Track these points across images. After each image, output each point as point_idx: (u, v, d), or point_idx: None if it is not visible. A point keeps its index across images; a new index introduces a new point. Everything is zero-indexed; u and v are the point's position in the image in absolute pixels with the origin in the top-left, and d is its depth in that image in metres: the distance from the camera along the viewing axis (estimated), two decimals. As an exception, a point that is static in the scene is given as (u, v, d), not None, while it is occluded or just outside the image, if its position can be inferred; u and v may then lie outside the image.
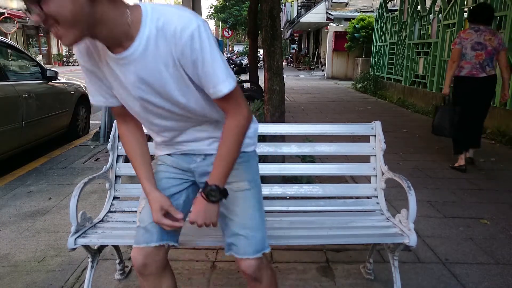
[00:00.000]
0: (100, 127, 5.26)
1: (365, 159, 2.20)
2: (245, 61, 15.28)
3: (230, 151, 1.22)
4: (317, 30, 25.15)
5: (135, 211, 2.09)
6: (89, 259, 1.89)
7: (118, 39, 1.06)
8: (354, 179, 3.59)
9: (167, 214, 1.29)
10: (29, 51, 19.71)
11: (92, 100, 1.27)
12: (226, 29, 25.22)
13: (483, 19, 3.95)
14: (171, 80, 1.12)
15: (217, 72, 1.10)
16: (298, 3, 27.66)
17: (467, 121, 4.03)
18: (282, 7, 27.42)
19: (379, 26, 12.20)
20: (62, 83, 5.33)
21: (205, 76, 1.10)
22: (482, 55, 3.89)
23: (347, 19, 18.23)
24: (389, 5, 12.20)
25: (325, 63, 19.57)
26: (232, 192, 1.32)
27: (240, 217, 1.33)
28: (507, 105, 5.69)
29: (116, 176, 2.12)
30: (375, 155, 2.16)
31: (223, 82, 1.11)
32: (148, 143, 1.42)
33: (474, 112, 4.03)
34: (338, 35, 17.07)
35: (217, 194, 1.22)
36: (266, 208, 2.12)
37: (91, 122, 6.30)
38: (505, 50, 3.97)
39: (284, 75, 3.42)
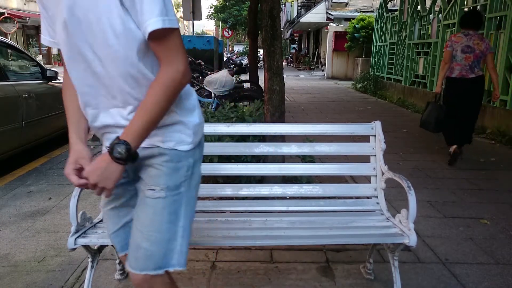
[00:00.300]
0: (100, 127, 5.26)
1: (365, 159, 2.20)
2: (245, 61, 15.30)
3: (152, 105, 1.05)
4: (317, 30, 25.15)
5: (135, 211, 2.09)
6: (89, 259, 1.89)
7: None
8: (354, 179, 3.59)
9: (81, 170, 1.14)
10: (29, 51, 19.72)
11: (42, 39, 1.21)
12: (226, 29, 25.21)
13: (473, 24, 4.29)
14: (104, 8, 1.00)
15: (152, 4, 0.99)
16: (298, 3, 27.66)
17: (459, 119, 4.31)
18: (282, 7, 27.42)
19: (379, 26, 12.20)
20: (62, 83, 5.32)
21: (141, 10, 0.99)
22: (471, 58, 4.20)
23: (347, 19, 18.23)
24: (389, 5, 12.20)
25: (325, 63, 19.57)
26: (144, 196, 1.17)
27: (145, 227, 1.16)
28: (507, 105, 5.69)
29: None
30: (375, 155, 2.16)
31: (156, 17, 0.99)
32: None
33: (467, 110, 4.31)
34: (338, 35, 17.07)
35: (123, 152, 1.03)
36: (266, 208, 2.14)
37: (91, 122, 6.30)
38: (492, 54, 4.27)
39: (284, 75, 3.42)
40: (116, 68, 1.06)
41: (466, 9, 7.34)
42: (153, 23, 0.99)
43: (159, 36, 1.02)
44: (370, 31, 14.21)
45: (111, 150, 1.04)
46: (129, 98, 1.11)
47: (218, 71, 5.81)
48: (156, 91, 1.05)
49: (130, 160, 1.06)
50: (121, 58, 1.05)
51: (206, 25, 70.26)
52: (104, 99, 1.13)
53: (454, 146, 4.40)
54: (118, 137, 1.04)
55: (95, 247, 1.89)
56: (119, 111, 1.13)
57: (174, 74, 1.05)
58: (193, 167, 1.21)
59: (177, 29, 1.05)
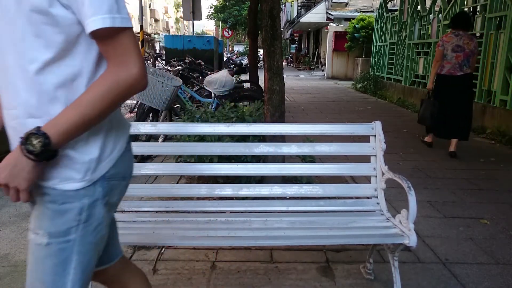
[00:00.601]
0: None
1: (365, 159, 2.20)
2: (245, 61, 15.29)
3: (86, 102, 0.89)
4: (317, 30, 25.15)
5: (135, 211, 2.10)
6: (89, 259, 1.89)
7: None
8: (354, 179, 3.59)
9: None
10: (29, 51, 19.62)
11: None
12: (226, 29, 25.20)
13: (463, 25, 4.60)
14: None
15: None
16: (298, 3, 27.65)
17: (448, 113, 4.64)
18: (282, 7, 27.41)
19: (379, 26, 12.20)
20: None
21: (83, 2, 0.86)
22: (461, 56, 4.54)
23: (347, 19, 18.22)
24: (389, 5, 12.20)
25: (325, 63, 19.57)
26: (30, 241, 1.01)
27: (30, 274, 1.00)
28: (507, 105, 5.69)
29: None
30: (375, 155, 2.16)
31: (104, 14, 0.86)
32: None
33: (456, 105, 4.64)
34: (338, 35, 17.07)
35: (38, 145, 0.86)
36: (266, 208, 2.14)
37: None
38: (476, 55, 4.73)
39: (284, 75, 3.42)
40: (17, 59, 0.91)
41: (466, 9, 7.34)
42: (99, 20, 0.86)
43: (106, 36, 0.89)
44: (370, 31, 14.21)
45: (24, 140, 0.87)
46: (16, 101, 0.94)
47: (218, 71, 5.81)
48: (94, 88, 0.91)
49: (45, 157, 0.88)
50: (24, 48, 0.90)
51: (206, 25, 70.28)
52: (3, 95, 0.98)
53: (431, 137, 5.00)
54: (38, 127, 0.88)
55: (95, 247, 1.88)
56: (7, 112, 0.98)
57: (123, 76, 0.91)
58: (91, 209, 0.99)
59: (130, 29, 0.92)
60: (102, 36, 0.89)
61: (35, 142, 0.86)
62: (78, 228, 0.98)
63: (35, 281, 0.99)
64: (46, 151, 0.88)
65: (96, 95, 0.90)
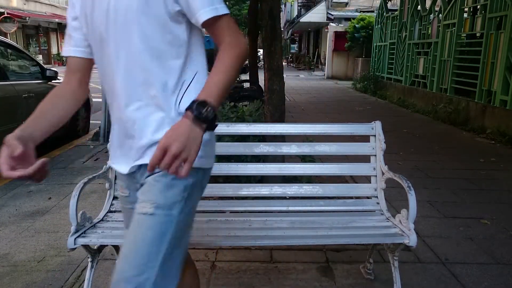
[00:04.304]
0: (100, 127, 5.26)
1: (365, 159, 2.20)
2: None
3: (228, 68, 1.01)
4: (317, 30, 25.13)
5: (135, 211, 2.09)
6: (89, 259, 1.89)
7: None
8: (354, 179, 3.59)
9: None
10: (29, 51, 19.71)
11: (65, 51, 1.17)
12: (226, 29, 25.19)
13: None
14: None
15: None
16: (298, 3, 27.64)
17: None
18: (282, 7, 27.39)
19: (379, 26, 12.20)
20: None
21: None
22: None
23: (347, 19, 18.23)
24: (389, 5, 12.21)
25: (325, 63, 19.56)
26: (136, 211, 1.06)
27: (128, 247, 1.03)
28: (507, 105, 5.69)
29: (116, 176, 2.11)
30: (375, 155, 2.16)
31: (208, 6, 1.00)
32: None
33: None
34: (338, 35, 17.07)
35: (210, 112, 0.91)
36: (266, 208, 2.13)
37: (91, 122, 6.30)
38: None
39: (284, 75, 3.42)
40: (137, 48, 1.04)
41: (466, 9, 7.34)
42: (205, 13, 1.00)
43: (216, 23, 1.03)
44: (370, 31, 14.22)
45: (195, 110, 0.90)
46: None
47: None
48: (231, 57, 1.02)
49: (212, 124, 0.93)
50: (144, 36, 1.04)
51: (206, 25, 70.12)
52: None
53: None
54: (194, 100, 0.93)
55: (95, 247, 1.88)
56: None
57: (238, 50, 1.03)
58: (192, 188, 1.08)
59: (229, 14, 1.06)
60: (210, 23, 1.02)
61: (202, 110, 0.90)
62: (180, 204, 1.04)
63: (130, 253, 1.01)
64: (215, 118, 0.93)
65: (228, 64, 1.01)
